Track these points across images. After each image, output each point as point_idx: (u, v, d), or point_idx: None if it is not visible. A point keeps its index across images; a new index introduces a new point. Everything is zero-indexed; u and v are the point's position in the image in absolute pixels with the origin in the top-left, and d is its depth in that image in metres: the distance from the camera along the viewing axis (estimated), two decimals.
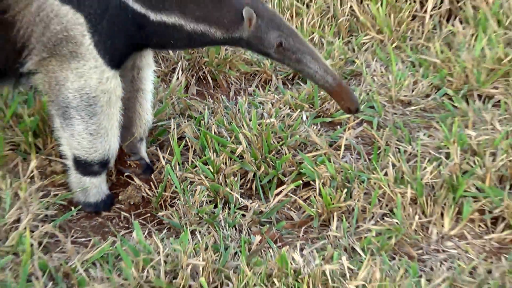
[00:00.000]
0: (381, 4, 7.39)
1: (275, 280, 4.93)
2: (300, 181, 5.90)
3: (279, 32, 5.60)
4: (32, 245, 5.16)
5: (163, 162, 5.91)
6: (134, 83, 5.85)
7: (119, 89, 5.48)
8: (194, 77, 6.66)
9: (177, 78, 6.56)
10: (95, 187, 5.74)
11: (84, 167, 5.64)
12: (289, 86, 6.62)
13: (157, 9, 5.44)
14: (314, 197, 5.76)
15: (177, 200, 5.72)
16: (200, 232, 5.43)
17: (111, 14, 5.33)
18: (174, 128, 6.05)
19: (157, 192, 5.79)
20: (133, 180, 5.86)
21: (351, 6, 7.50)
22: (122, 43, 5.46)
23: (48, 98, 5.53)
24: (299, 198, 5.82)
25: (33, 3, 5.29)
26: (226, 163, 5.86)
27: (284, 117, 6.23)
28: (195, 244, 5.19)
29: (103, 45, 5.36)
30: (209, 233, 5.43)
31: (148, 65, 5.92)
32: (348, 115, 6.45)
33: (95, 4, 5.27)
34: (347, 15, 7.47)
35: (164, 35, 5.54)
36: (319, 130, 6.25)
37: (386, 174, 5.85)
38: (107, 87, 5.43)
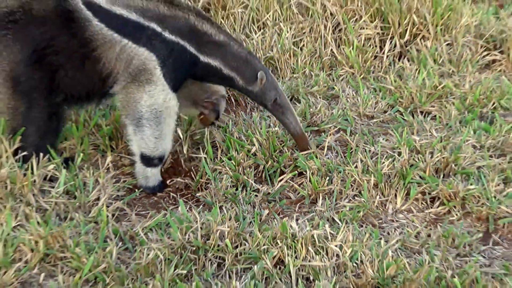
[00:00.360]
0: (353, 48, 7.33)
1: (278, 241, 4.92)
2: (296, 172, 5.84)
3: (276, 92, 5.79)
4: (107, 216, 5.16)
5: (202, 158, 5.84)
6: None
7: (176, 106, 5.56)
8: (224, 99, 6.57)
9: None
10: (153, 176, 5.74)
11: (148, 161, 5.66)
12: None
13: (206, 54, 5.58)
14: (306, 183, 5.72)
15: (209, 185, 5.68)
16: (225, 207, 5.41)
17: (175, 55, 5.44)
18: (207, 135, 6.00)
19: (196, 179, 5.73)
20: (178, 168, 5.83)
21: (331, 49, 7.44)
22: (181, 75, 5.58)
23: (124, 112, 5.56)
24: (295, 183, 5.76)
25: (115, 46, 5.39)
26: (244, 159, 5.82)
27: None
28: (222, 215, 5.17)
29: (168, 75, 5.47)
30: (232, 208, 5.42)
31: None
32: (329, 125, 6.38)
33: (164, 48, 5.41)
34: (329, 56, 7.42)
35: (207, 72, 5.66)
36: (309, 136, 6.17)
37: (356, 166, 5.80)
38: (169, 104, 5.52)
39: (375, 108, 6.79)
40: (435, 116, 6.71)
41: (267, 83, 5.82)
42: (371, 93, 6.99)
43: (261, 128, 6.03)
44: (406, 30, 7.80)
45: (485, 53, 7.73)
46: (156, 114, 5.55)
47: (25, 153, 5.50)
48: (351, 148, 6.10)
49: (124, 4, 5.48)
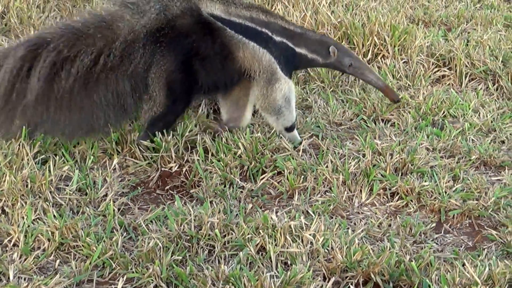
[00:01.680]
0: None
1: (261, 231, 4.89)
2: (275, 171, 5.77)
3: (349, 58, 6.13)
4: (114, 210, 5.11)
5: (195, 159, 5.79)
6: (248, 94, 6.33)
7: (293, 86, 6.09)
8: (212, 109, 6.53)
9: (202, 109, 6.43)
10: (296, 133, 6.26)
11: (291, 128, 6.15)
12: None
13: (296, 45, 5.98)
14: (284, 180, 5.66)
15: (202, 182, 5.60)
16: (215, 202, 5.35)
17: (283, 53, 5.91)
18: (199, 140, 5.93)
19: (190, 178, 5.66)
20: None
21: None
22: (290, 66, 6.01)
23: (265, 109, 6.14)
24: (274, 181, 5.70)
25: (248, 46, 5.84)
26: (231, 160, 5.75)
27: (266, 132, 6.11)
28: (212, 209, 5.12)
29: (284, 69, 5.92)
30: (221, 202, 5.35)
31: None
32: (303, 132, 6.32)
33: (277, 49, 5.87)
34: (303, 72, 7.35)
35: (301, 60, 6.05)
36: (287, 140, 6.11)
37: (327, 166, 5.75)
38: (292, 88, 6.02)
39: (342, 117, 6.75)
40: (394, 123, 6.68)
41: (340, 54, 6.17)
42: (339, 103, 6.95)
43: (245, 134, 5.96)
44: (369, 50, 7.78)
45: (436, 69, 7.72)
46: (288, 100, 6.06)
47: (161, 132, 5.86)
48: (323, 151, 6.04)
49: (237, 15, 5.92)
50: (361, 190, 5.61)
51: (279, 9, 8.37)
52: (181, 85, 5.86)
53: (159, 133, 5.83)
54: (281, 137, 6.06)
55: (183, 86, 5.88)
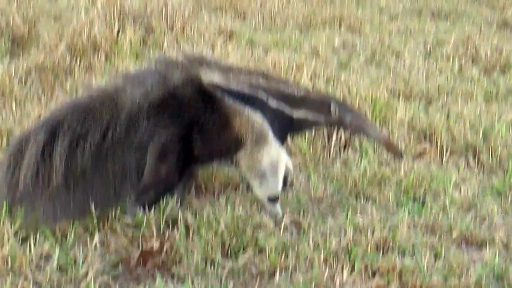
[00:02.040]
0: (305, 140, 7.34)
1: None
2: (257, 249, 5.80)
3: (350, 115, 6.15)
4: None
5: (176, 236, 5.82)
6: None
7: (285, 154, 6.14)
8: (193, 185, 6.60)
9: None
10: (278, 206, 6.27)
11: (273, 200, 6.17)
12: (250, 191, 6.51)
13: (296, 111, 6.04)
14: (265, 258, 5.69)
15: (183, 260, 5.62)
16: (196, 281, 5.40)
17: (278, 119, 5.96)
18: (181, 216, 5.99)
19: (171, 255, 5.69)
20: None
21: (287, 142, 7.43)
22: (284, 132, 6.10)
23: (249, 172, 6.15)
24: (256, 259, 5.71)
25: (244, 113, 5.92)
26: (212, 237, 5.78)
27: (247, 209, 6.19)
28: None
29: (277, 134, 5.99)
30: (202, 281, 5.40)
31: None
32: (284, 208, 6.37)
33: (271, 114, 5.93)
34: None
35: (299, 125, 6.15)
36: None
37: (308, 244, 5.81)
38: (281, 156, 6.04)
39: (324, 193, 6.81)
40: (375, 199, 6.76)
41: (341, 111, 6.19)
42: (321, 179, 7.03)
43: (226, 211, 6.02)
44: None
45: (417, 143, 7.82)
46: (275, 167, 6.06)
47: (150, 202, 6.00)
48: (304, 228, 6.10)
49: (236, 82, 6.02)
50: (342, 268, 5.62)
51: None
52: (175, 155, 5.96)
53: (147, 206, 5.94)
54: (262, 214, 6.11)
55: (178, 157, 5.98)
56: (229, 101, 5.98)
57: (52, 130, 5.75)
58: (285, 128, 6.15)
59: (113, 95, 5.94)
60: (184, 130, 5.95)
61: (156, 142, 5.89)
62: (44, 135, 5.72)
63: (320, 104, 6.20)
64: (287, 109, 6.09)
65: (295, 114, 6.12)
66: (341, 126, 6.37)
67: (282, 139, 6.17)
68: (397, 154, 6.52)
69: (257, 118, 5.99)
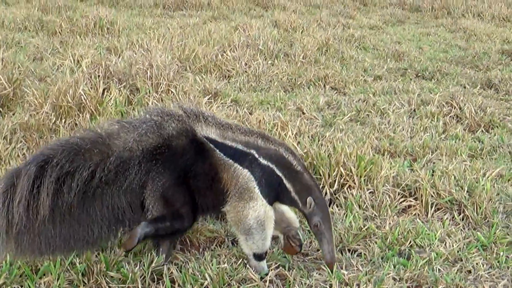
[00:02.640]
0: None
1: None
2: None
3: (319, 219, 6.19)
4: None
5: None
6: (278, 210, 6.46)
7: (273, 215, 6.18)
8: (178, 240, 6.67)
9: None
10: (264, 265, 6.32)
11: (259, 257, 6.24)
12: (235, 245, 6.64)
13: (285, 177, 6.18)
14: None
15: None
16: None
17: (266, 177, 6.08)
18: (166, 270, 6.08)
19: None
20: None
21: None
22: (273, 192, 6.17)
23: (235, 226, 6.25)
24: None
25: (231, 168, 6.10)
26: None
27: (232, 263, 6.28)
28: None
29: (264, 192, 6.08)
30: None
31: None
32: (270, 262, 6.43)
33: (260, 171, 6.07)
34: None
35: (284, 193, 6.21)
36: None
37: None
38: (269, 214, 6.14)
39: (309, 247, 6.91)
40: (360, 253, 6.85)
41: (315, 209, 6.23)
42: (306, 234, 7.10)
43: (212, 265, 6.11)
44: (335, 180, 8.02)
45: (402, 199, 7.94)
46: (261, 224, 6.15)
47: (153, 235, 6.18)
48: (289, 281, 6.16)
49: (231, 139, 6.21)
50: None
51: None
52: (179, 199, 6.18)
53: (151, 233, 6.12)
54: (247, 268, 6.18)
55: (183, 200, 6.18)
56: (220, 155, 6.16)
57: (42, 164, 5.89)
58: (275, 189, 6.20)
59: (106, 138, 6.13)
60: (179, 176, 6.15)
61: (153, 187, 6.10)
62: (34, 169, 5.86)
63: (305, 189, 6.25)
64: (279, 171, 6.18)
65: (285, 180, 6.21)
66: (308, 221, 6.38)
67: (272, 198, 6.25)
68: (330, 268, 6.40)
69: (244, 172, 6.13)
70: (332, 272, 6.26)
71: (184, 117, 6.28)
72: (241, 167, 6.13)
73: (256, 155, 6.16)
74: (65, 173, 5.90)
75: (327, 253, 6.27)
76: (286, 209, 6.57)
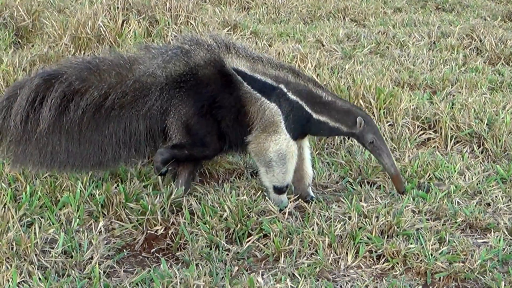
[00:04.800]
0: None
1: None
2: (261, 234, 5.84)
3: (373, 135, 6.06)
4: (99, 273, 5.15)
5: (181, 222, 5.85)
6: (300, 156, 6.31)
7: (296, 150, 6.07)
8: (198, 172, 6.60)
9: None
10: (284, 198, 6.23)
11: (279, 190, 6.19)
12: (255, 177, 6.57)
13: (317, 112, 6.02)
14: (270, 243, 5.72)
15: (187, 245, 5.66)
16: (201, 264, 5.40)
17: (294, 112, 5.96)
18: (185, 202, 6.04)
19: (176, 241, 5.72)
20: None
21: None
22: (299, 127, 6.04)
23: (256, 158, 6.19)
24: (260, 244, 5.76)
25: (257, 101, 5.99)
26: (216, 223, 5.81)
27: (251, 195, 6.18)
28: (198, 272, 5.18)
29: (289, 127, 5.98)
30: (207, 265, 5.40)
31: (306, 144, 6.44)
32: (289, 195, 6.37)
33: (288, 106, 5.94)
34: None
35: (318, 127, 6.09)
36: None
37: (313, 229, 5.82)
38: (291, 149, 6.05)
39: (328, 179, 6.84)
40: (379, 185, 6.78)
41: (366, 127, 6.14)
42: (325, 166, 7.05)
43: (231, 197, 6.04)
44: None
45: (421, 132, 7.85)
46: (282, 157, 6.07)
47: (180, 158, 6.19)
48: (308, 213, 6.11)
49: (261, 72, 6.09)
50: (347, 253, 5.66)
51: None
52: (202, 128, 6.13)
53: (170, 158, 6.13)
54: (267, 200, 6.13)
55: (205, 130, 6.13)
56: (247, 88, 6.07)
57: (48, 78, 5.88)
58: (302, 125, 6.14)
59: (129, 62, 6.10)
60: (205, 107, 6.08)
61: (175, 115, 6.06)
62: (38, 80, 5.82)
63: (345, 113, 6.18)
64: (307, 107, 6.10)
65: (316, 116, 6.13)
66: (360, 141, 6.33)
67: (297, 134, 6.18)
68: (401, 189, 6.39)
69: (271, 106, 6.04)
70: (401, 189, 6.34)
71: (214, 47, 6.17)
72: (268, 101, 6.05)
73: (285, 90, 6.07)
74: (73, 90, 5.86)
75: (390, 167, 6.26)
76: (307, 156, 6.50)
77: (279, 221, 5.91)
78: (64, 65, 6.11)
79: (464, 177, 6.95)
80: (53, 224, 5.72)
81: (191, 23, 10.58)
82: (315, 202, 6.30)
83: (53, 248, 5.44)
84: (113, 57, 6.14)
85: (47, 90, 5.83)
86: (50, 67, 6.31)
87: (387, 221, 5.92)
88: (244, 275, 5.30)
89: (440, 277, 5.51)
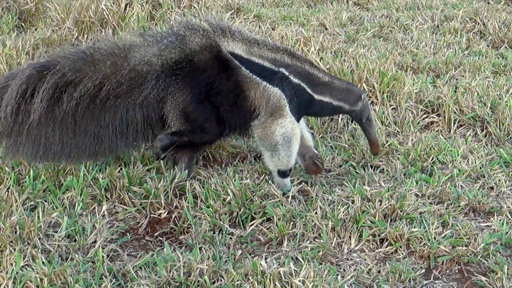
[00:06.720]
0: None
1: (250, 277, 4.93)
2: (265, 217, 5.82)
3: (369, 111, 6.17)
4: (103, 256, 5.14)
5: (184, 206, 5.83)
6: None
7: (299, 132, 6.05)
8: (201, 156, 6.57)
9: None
10: (288, 182, 6.21)
11: (283, 174, 6.16)
12: (258, 161, 6.54)
13: (318, 93, 6.01)
14: (273, 227, 5.71)
15: (191, 229, 5.65)
16: (204, 248, 5.38)
17: (298, 95, 5.92)
18: (188, 186, 6.00)
19: (179, 224, 5.70)
20: None
21: None
22: (302, 110, 6.02)
23: (261, 142, 6.16)
24: (264, 227, 5.75)
25: (260, 86, 5.92)
26: (220, 206, 5.80)
27: (255, 179, 6.16)
28: (202, 255, 5.16)
29: (294, 110, 5.95)
30: (210, 249, 5.38)
31: (304, 124, 6.44)
32: (292, 178, 6.35)
33: (291, 89, 5.93)
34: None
35: (321, 107, 6.09)
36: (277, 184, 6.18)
37: (316, 213, 5.81)
38: (295, 131, 6.03)
39: (332, 163, 6.81)
40: (383, 169, 6.74)
41: (365, 103, 6.25)
42: (328, 150, 7.01)
43: (234, 180, 6.03)
44: None
45: (425, 116, 7.81)
46: (288, 140, 6.06)
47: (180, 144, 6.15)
48: (312, 197, 6.09)
49: (258, 55, 6.04)
50: (350, 237, 5.66)
51: None
52: (201, 115, 6.08)
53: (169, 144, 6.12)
54: (270, 184, 6.11)
55: (204, 116, 6.09)
56: (246, 72, 6.01)
57: (41, 69, 5.83)
58: (305, 107, 6.13)
59: (124, 50, 6.03)
60: (203, 93, 6.02)
61: (172, 103, 6.01)
62: (30, 71, 5.79)
63: (346, 92, 6.20)
64: (309, 89, 6.08)
65: (317, 96, 6.12)
66: (357, 117, 6.34)
67: (300, 116, 6.18)
68: (377, 152, 6.63)
69: (275, 91, 6.00)
70: (377, 151, 6.61)
71: (209, 32, 6.10)
72: (271, 86, 6.00)
73: (286, 73, 6.03)
74: (66, 81, 5.81)
75: (375, 134, 6.45)
76: (303, 127, 6.48)
77: (282, 204, 5.90)
78: (58, 56, 6.05)
79: (467, 161, 6.91)
80: (56, 208, 5.70)
81: (194, 7, 10.51)
82: (318, 186, 6.28)
83: (56, 232, 5.44)
84: (107, 46, 6.06)
85: (39, 81, 5.77)
86: (43, 58, 6.24)
87: (390, 204, 5.91)
88: (247, 258, 5.29)
89: (443, 261, 5.50)
